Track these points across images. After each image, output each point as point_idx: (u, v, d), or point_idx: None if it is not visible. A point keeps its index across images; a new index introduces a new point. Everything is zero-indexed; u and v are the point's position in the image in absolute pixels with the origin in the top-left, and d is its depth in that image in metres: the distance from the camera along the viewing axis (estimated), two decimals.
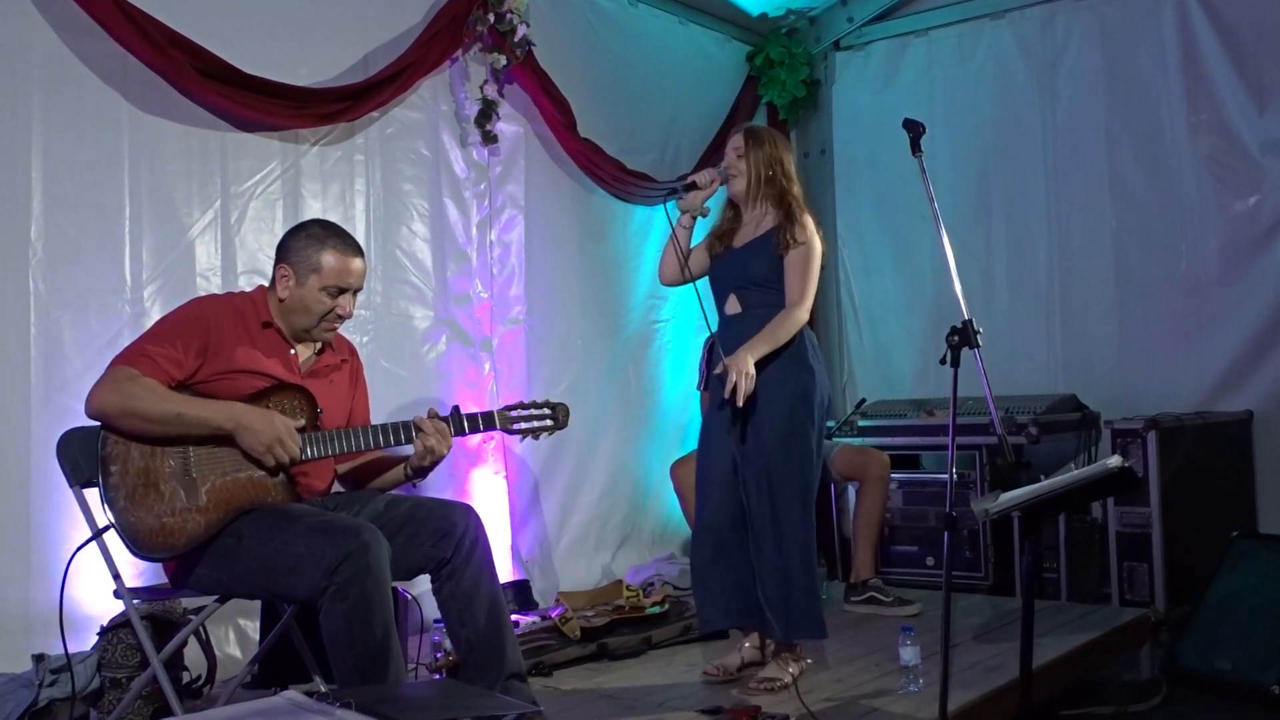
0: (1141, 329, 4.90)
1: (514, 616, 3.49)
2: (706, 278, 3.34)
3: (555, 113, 4.59)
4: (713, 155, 5.33)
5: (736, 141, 3.29)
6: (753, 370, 3.00)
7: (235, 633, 3.56)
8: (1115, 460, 2.49)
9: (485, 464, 4.38)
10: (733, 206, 3.33)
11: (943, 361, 2.60)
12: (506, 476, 4.43)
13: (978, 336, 2.59)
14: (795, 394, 3.11)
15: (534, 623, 3.54)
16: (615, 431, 4.91)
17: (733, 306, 3.22)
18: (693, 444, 4.90)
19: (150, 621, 2.97)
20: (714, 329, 3.35)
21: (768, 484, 3.07)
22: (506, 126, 4.48)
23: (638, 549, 4.93)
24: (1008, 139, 5.26)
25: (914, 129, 2.80)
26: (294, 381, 2.64)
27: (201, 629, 3.23)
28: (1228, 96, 4.68)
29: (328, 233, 2.69)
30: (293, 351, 2.70)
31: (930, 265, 5.40)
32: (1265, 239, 4.63)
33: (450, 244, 4.32)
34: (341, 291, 2.68)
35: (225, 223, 3.65)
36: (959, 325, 2.59)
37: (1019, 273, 5.23)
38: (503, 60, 4.33)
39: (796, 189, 3.25)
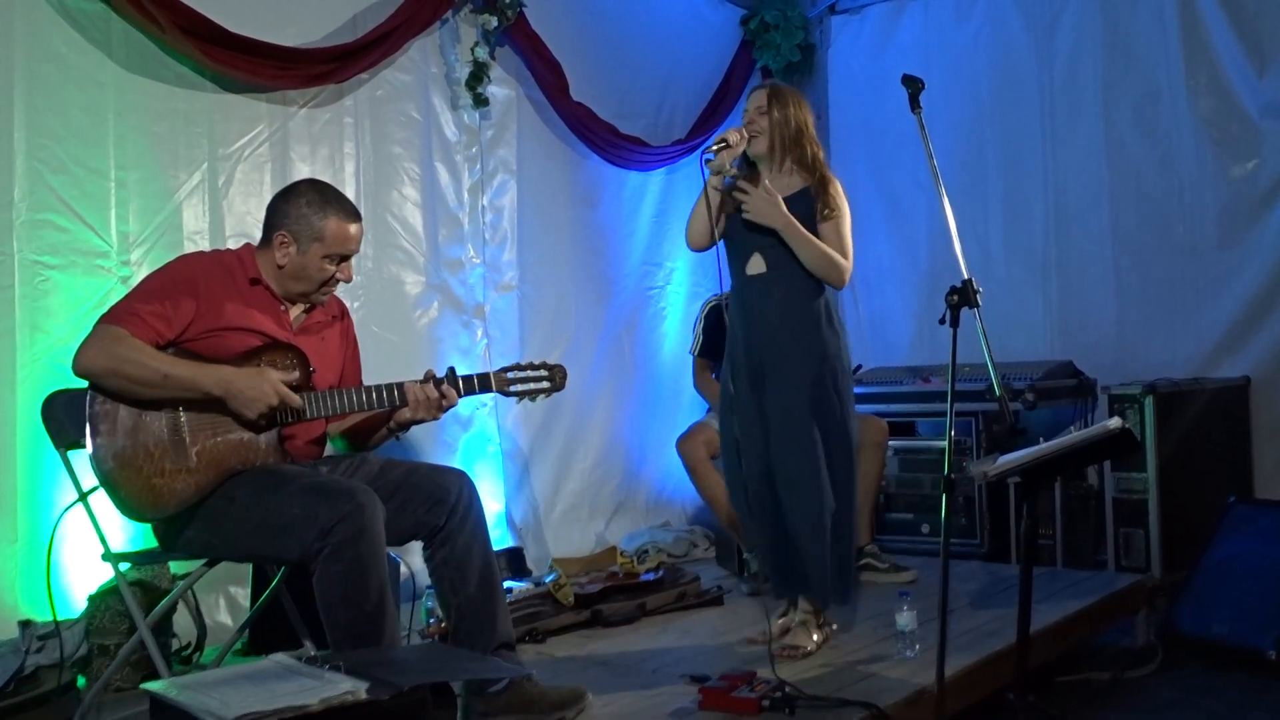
0: (1138, 294, 4.86)
1: (507, 584, 3.47)
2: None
3: (548, 76, 4.53)
4: (708, 120, 5.28)
5: (759, 99, 3.19)
6: (775, 207, 2.99)
7: (225, 600, 3.53)
8: (1115, 422, 2.47)
9: (478, 431, 4.35)
10: (749, 165, 3.23)
11: (942, 321, 2.57)
12: (500, 443, 4.40)
13: (978, 296, 2.55)
14: (820, 356, 3.07)
15: (527, 589, 3.51)
16: (609, 399, 4.88)
17: (756, 266, 3.14)
18: (688, 413, 4.90)
19: (139, 588, 2.95)
20: (725, 291, 3.27)
21: (801, 446, 3.02)
22: (498, 90, 4.42)
23: (632, 517, 4.91)
24: (1004, 102, 5.20)
25: (912, 85, 2.75)
26: (286, 339, 2.60)
27: (192, 596, 3.22)
28: (1227, 59, 4.62)
29: (326, 198, 2.63)
30: (284, 309, 2.65)
31: (926, 232, 5.36)
32: (1263, 203, 4.57)
33: (441, 208, 4.27)
34: (344, 259, 2.64)
35: (213, 185, 3.59)
36: (958, 285, 2.55)
37: (1015, 238, 5.19)
38: (494, 22, 4.27)
39: (818, 149, 3.18)
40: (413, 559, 3.54)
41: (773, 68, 5.57)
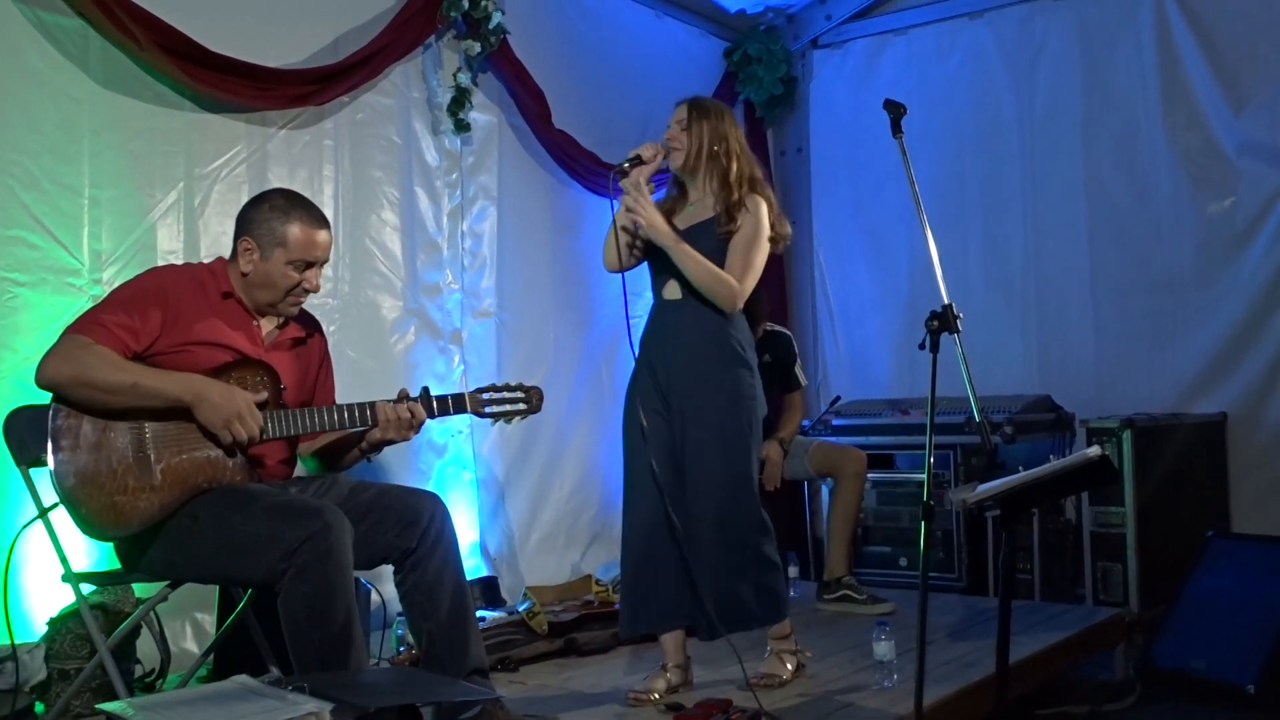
0: (1117, 330, 4.89)
1: (480, 613, 3.41)
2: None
3: (530, 103, 4.52)
4: None
5: (680, 113, 3.07)
6: (657, 222, 2.88)
7: (191, 627, 3.45)
8: (1094, 450, 2.46)
9: (453, 458, 4.30)
10: (678, 183, 3.12)
11: (922, 346, 2.55)
12: (476, 471, 4.35)
13: (958, 321, 2.53)
14: (735, 393, 2.95)
15: (500, 617, 3.46)
16: (587, 428, 4.84)
17: (672, 291, 3.01)
18: None
19: (101, 611, 2.87)
20: (631, 317, 3.11)
21: (713, 482, 2.91)
22: (479, 116, 4.41)
23: (608, 547, 4.84)
24: (985, 138, 5.24)
25: (895, 110, 2.76)
26: (257, 354, 2.55)
27: (156, 621, 3.14)
28: (1204, 98, 4.68)
29: (292, 204, 2.60)
30: (255, 323, 2.60)
31: (907, 265, 5.37)
32: (1240, 241, 4.62)
33: (420, 233, 4.24)
34: (309, 265, 2.59)
35: (188, 205, 3.55)
36: (939, 309, 2.54)
37: (994, 273, 5.21)
38: (477, 48, 4.27)
39: (742, 166, 3.01)
40: (384, 586, 3.49)
41: (755, 100, 5.62)
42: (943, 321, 2.52)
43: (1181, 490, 4.33)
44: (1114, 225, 4.91)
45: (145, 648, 3.15)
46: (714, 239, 2.96)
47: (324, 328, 2.92)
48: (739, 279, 2.93)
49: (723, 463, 2.93)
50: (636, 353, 3.08)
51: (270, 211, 2.57)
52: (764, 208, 2.99)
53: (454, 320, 4.34)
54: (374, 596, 3.54)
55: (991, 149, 5.23)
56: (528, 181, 4.65)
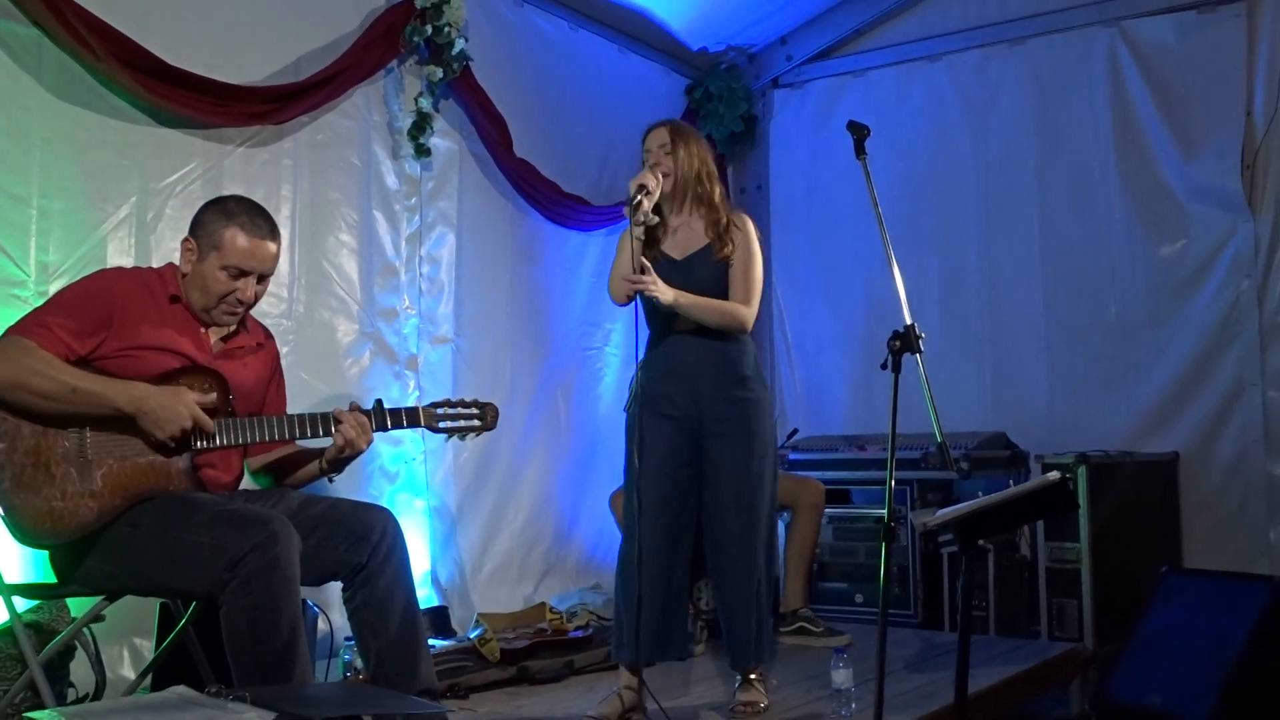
0: (1070, 370, 4.93)
1: (430, 641, 3.33)
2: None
3: (491, 130, 4.51)
4: None
5: (660, 136, 3.08)
6: (665, 295, 2.86)
7: (130, 652, 3.33)
8: (1054, 475, 2.47)
9: (405, 485, 4.23)
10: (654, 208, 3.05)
11: (884, 366, 2.54)
12: (428, 500, 4.28)
13: (920, 341, 2.53)
14: (765, 411, 3.04)
15: (451, 645, 3.38)
16: (542, 459, 4.78)
17: (684, 324, 3.00)
18: (622, 475, 4.80)
19: (36, 630, 2.76)
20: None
21: (746, 504, 2.96)
22: (440, 142, 4.39)
23: (561, 579, 4.78)
24: (941, 179, 5.30)
25: (858, 131, 2.77)
26: (205, 361, 2.49)
27: (92, 643, 3.02)
28: (1156, 144, 4.77)
29: (241, 210, 2.55)
30: (204, 330, 2.54)
31: (864, 302, 5.39)
32: (1191, 283, 4.69)
33: (378, 257, 4.19)
34: (242, 274, 2.52)
35: (140, 220, 3.48)
36: (900, 329, 2.54)
37: (951, 311, 5.24)
38: (439, 73, 4.25)
39: (720, 187, 3.10)
40: (332, 613, 3.40)
41: (716, 137, 5.65)
42: (905, 341, 2.52)
43: (1135, 527, 4.35)
44: (1067, 266, 4.97)
45: (80, 671, 3.03)
46: (712, 265, 2.99)
47: (279, 349, 2.86)
48: (746, 302, 3.00)
49: (764, 487, 3.00)
50: (639, 384, 3.07)
51: (215, 213, 2.53)
52: (750, 224, 3.06)
53: (410, 346, 4.29)
54: (321, 623, 3.44)
55: (948, 190, 5.28)
56: (487, 209, 4.63)
